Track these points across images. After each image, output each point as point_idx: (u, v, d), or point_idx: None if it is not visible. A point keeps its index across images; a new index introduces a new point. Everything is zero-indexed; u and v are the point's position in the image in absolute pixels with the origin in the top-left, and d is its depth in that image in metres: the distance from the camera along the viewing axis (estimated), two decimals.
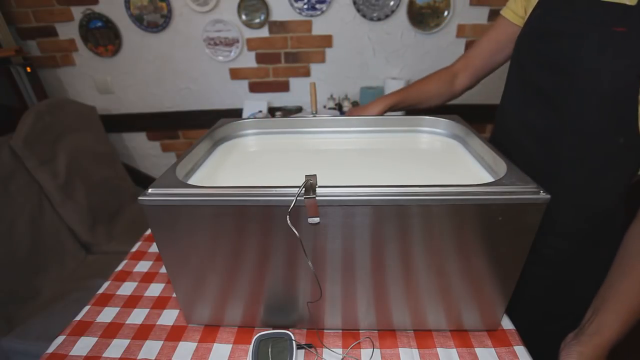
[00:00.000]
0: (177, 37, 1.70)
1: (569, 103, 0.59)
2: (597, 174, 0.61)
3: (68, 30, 1.70)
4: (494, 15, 1.63)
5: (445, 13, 1.62)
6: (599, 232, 0.65)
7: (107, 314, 0.67)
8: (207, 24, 1.66)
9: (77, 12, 1.66)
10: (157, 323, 0.64)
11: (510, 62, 0.73)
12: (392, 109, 0.85)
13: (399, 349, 0.58)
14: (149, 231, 0.91)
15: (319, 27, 1.68)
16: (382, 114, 0.83)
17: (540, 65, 0.63)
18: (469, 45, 1.69)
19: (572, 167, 0.63)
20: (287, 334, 0.57)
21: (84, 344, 0.60)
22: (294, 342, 0.55)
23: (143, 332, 0.62)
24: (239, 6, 1.63)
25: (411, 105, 0.87)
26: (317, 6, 1.63)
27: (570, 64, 0.58)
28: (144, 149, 2.01)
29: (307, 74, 1.80)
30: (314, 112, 1.47)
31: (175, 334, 0.62)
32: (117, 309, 0.68)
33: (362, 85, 1.75)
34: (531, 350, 0.57)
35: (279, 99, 1.86)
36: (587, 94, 0.57)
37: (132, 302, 0.70)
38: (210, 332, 0.62)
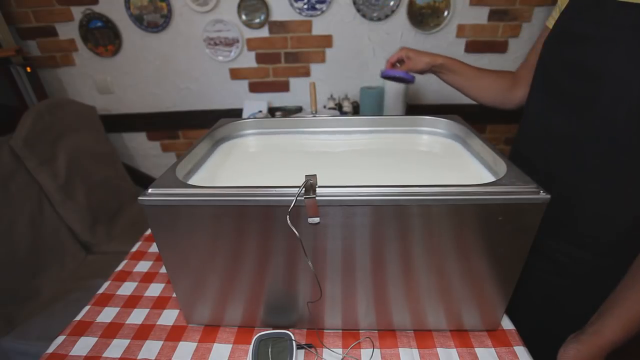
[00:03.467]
0: (177, 37, 1.70)
1: (596, 109, 0.57)
2: (619, 183, 0.59)
3: (68, 30, 1.70)
4: (494, 15, 1.63)
5: (445, 13, 1.62)
6: (621, 243, 0.62)
7: (107, 314, 0.67)
8: (207, 24, 1.66)
9: (77, 12, 1.66)
10: (157, 323, 0.64)
11: (536, 66, 0.70)
12: (440, 69, 0.84)
13: (399, 349, 0.58)
14: (149, 231, 0.91)
15: (319, 27, 1.68)
16: (429, 67, 0.83)
17: (566, 70, 0.61)
18: (469, 45, 1.69)
19: (596, 175, 0.60)
20: (287, 334, 0.57)
21: (84, 344, 0.60)
22: (294, 342, 0.55)
23: (143, 332, 0.62)
24: (239, 6, 1.63)
25: (459, 85, 0.85)
26: (317, 6, 1.63)
27: (599, 69, 0.55)
28: (144, 149, 2.01)
29: (307, 74, 1.79)
30: (314, 112, 1.47)
31: (175, 334, 0.62)
32: (117, 309, 0.68)
33: (362, 85, 1.75)
34: (531, 350, 0.57)
35: (279, 99, 1.86)
36: (616, 100, 0.54)
37: (132, 302, 0.70)
38: (210, 332, 0.62)
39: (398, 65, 0.88)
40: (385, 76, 0.88)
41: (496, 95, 0.82)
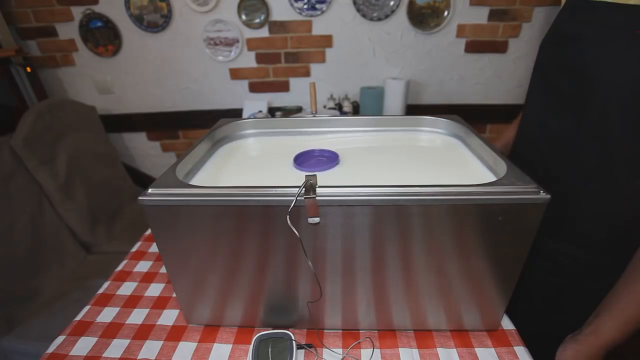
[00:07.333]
0: (177, 37, 1.70)
1: (590, 109, 0.57)
2: (617, 182, 0.59)
3: (68, 30, 1.70)
4: (494, 15, 1.63)
5: (445, 13, 1.62)
6: (620, 243, 0.61)
7: (107, 314, 0.67)
8: (207, 24, 1.66)
9: (77, 12, 1.66)
10: (157, 323, 0.64)
11: (533, 68, 0.70)
12: None
13: (399, 349, 0.58)
14: (149, 231, 0.91)
15: (319, 27, 1.68)
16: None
17: (561, 70, 0.61)
18: (469, 45, 1.69)
19: (593, 175, 0.60)
20: (287, 334, 0.57)
21: (84, 344, 0.60)
22: (294, 342, 0.55)
23: (143, 332, 0.62)
24: (239, 6, 1.63)
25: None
26: (317, 6, 1.63)
27: (591, 69, 0.55)
28: (144, 149, 2.01)
29: (307, 74, 1.79)
30: (314, 112, 1.47)
31: (175, 334, 0.62)
32: (117, 309, 0.68)
33: (362, 85, 1.75)
34: (531, 350, 0.57)
35: (279, 99, 1.86)
36: (608, 100, 0.54)
37: (132, 302, 0.70)
38: (210, 332, 0.62)
39: None
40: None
41: None
